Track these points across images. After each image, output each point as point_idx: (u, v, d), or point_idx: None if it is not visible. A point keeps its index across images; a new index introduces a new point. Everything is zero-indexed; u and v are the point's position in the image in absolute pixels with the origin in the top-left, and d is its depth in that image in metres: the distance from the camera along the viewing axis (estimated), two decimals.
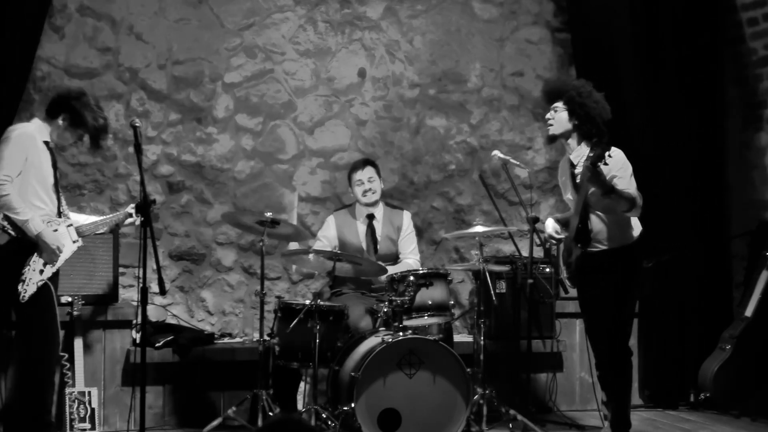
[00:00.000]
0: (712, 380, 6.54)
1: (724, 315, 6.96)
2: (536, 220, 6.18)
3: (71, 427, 5.70)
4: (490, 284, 5.98)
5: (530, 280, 6.14)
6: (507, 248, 7.06)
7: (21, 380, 5.14)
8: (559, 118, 5.44)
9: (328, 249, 6.19)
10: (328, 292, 6.24)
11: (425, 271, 5.83)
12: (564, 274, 5.69)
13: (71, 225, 5.22)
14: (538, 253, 6.39)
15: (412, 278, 5.73)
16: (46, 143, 5.15)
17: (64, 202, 5.27)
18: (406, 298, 5.70)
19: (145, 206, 4.84)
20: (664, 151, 6.85)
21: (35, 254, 5.02)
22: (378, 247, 6.30)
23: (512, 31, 7.30)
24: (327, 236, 6.32)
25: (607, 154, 5.11)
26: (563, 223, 5.60)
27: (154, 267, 4.99)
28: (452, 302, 5.91)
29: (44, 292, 5.06)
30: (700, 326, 6.96)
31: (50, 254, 5.06)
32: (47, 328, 5.12)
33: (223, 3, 6.79)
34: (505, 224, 6.52)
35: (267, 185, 6.87)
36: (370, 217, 6.34)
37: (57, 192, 5.20)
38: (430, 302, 5.75)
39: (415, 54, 7.13)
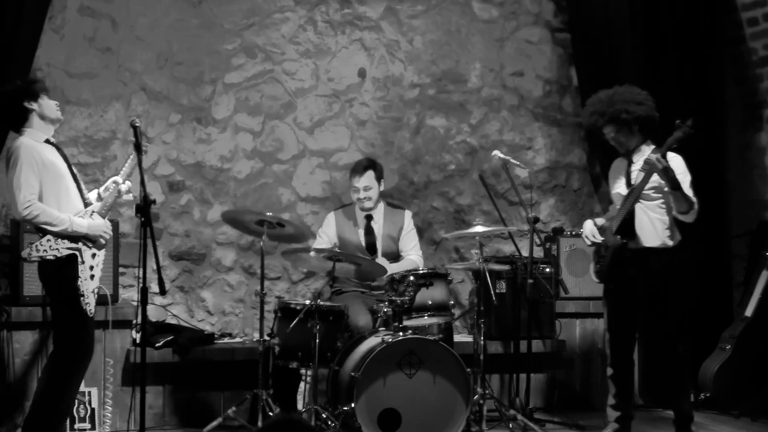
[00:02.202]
0: (712, 380, 6.54)
1: (724, 315, 6.96)
2: (536, 220, 6.21)
3: (71, 427, 5.71)
4: (490, 284, 5.99)
5: (530, 280, 6.16)
6: (507, 248, 7.07)
7: (54, 378, 5.11)
8: (621, 139, 5.59)
9: (328, 245, 6.22)
10: (328, 292, 6.24)
11: (425, 271, 5.83)
12: (594, 269, 5.73)
13: (94, 213, 5.20)
14: (538, 253, 6.41)
15: (412, 278, 5.74)
16: (48, 141, 5.13)
17: (85, 190, 5.23)
18: (406, 298, 5.70)
19: (145, 206, 4.83)
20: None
21: (79, 262, 5.01)
22: (379, 245, 6.30)
23: (512, 31, 7.30)
24: (327, 233, 6.34)
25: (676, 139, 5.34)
26: (600, 228, 5.64)
27: (154, 267, 4.98)
28: (452, 302, 5.91)
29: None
30: (700, 326, 6.95)
31: (103, 239, 5.13)
32: (92, 334, 5.19)
33: (223, 3, 6.79)
34: (505, 224, 6.53)
35: (267, 185, 6.87)
36: (369, 218, 6.35)
37: (78, 185, 5.17)
38: (430, 302, 5.75)
39: (415, 54, 7.13)
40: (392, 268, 6.05)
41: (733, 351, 6.56)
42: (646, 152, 5.51)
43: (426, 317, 5.77)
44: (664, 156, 5.31)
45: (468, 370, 5.59)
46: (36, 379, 5.79)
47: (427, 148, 7.14)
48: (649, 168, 5.36)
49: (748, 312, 6.61)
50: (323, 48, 6.98)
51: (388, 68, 7.09)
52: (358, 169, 6.27)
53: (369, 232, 6.33)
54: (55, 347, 5.19)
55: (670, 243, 5.54)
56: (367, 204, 6.26)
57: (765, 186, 7.11)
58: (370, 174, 6.25)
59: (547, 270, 6.53)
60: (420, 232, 6.84)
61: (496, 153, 6.27)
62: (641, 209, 5.50)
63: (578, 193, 7.40)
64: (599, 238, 5.62)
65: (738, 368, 6.55)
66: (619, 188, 5.64)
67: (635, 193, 5.46)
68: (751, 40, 7.09)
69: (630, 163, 5.62)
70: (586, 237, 5.68)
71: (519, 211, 7.09)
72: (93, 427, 5.79)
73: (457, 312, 6.76)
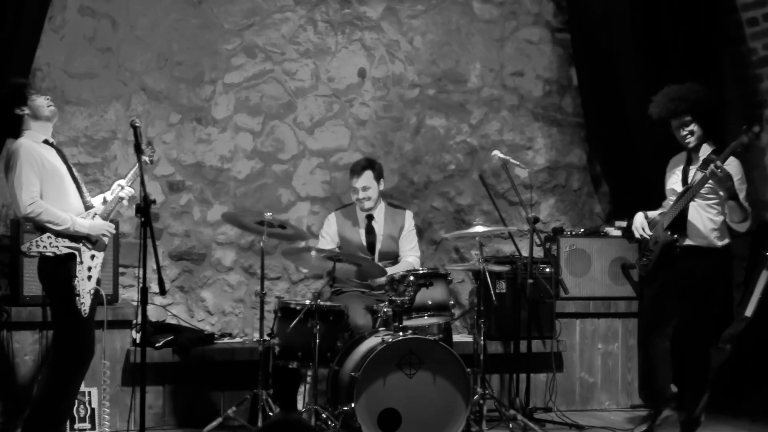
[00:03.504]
0: (712, 380, 6.53)
1: (724, 315, 6.95)
2: (536, 220, 6.21)
3: (71, 427, 5.71)
4: (490, 284, 5.98)
5: (530, 280, 6.16)
6: (507, 248, 7.06)
7: (54, 378, 5.12)
8: (695, 130, 5.61)
9: (331, 245, 6.25)
10: (328, 292, 6.24)
11: (425, 271, 5.82)
12: (639, 262, 5.77)
13: (96, 215, 5.21)
14: (538, 253, 6.41)
15: (412, 278, 5.73)
16: (47, 142, 5.14)
17: (85, 191, 5.25)
18: (406, 298, 5.70)
19: (145, 206, 4.83)
20: (665, 151, 6.85)
21: (77, 262, 5.02)
22: (379, 245, 6.31)
23: (512, 31, 7.30)
24: (329, 233, 6.36)
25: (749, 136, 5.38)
26: (651, 222, 5.69)
27: (154, 267, 4.98)
28: (452, 302, 5.91)
29: (94, 298, 5.11)
30: None
31: (105, 239, 5.15)
32: (91, 334, 5.17)
33: (223, 3, 6.79)
34: (505, 224, 6.53)
35: (267, 185, 6.88)
36: (370, 217, 6.36)
37: (77, 185, 5.19)
38: (430, 302, 5.74)
39: (415, 54, 7.13)
40: (390, 271, 6.04)
41: (733, 351, 6.55)
42: (705, 151, 5.54)
43: (426, 317, 5.76)
44: (723, 161, 5.31)
45: (468, 370, 5.59)
46: (36, 379, 5.80)
47: (427, 148, 7.14)
48: (708, 173, 5.35)
49: (748, 312, 6.59)
50: (323, 48, 6.98)
51: (388, 68, 7.09)
52: (356, 169, 6.27)
53: (370, 231, 6.34)
54: (55, 348, 5.20)
55: (718, 243, 5.58)
56: (367, 204, 6.27)
57: (765, 186, 7.10)
58: (368, 174, 6.25)
59: (547, 270, 6.53)
60: (420, 232, 6.84)
61: (496, 153, 6.28)
62: (694, 207, 5.55)
63: (578, 193, 7.40)
64: (648, 233, 5.66)
65: (738, 368, 6.54)
66: (674, 184, 5.69)
67: (690, 192, 5.49)
68: (751, 40, 7.08)
69: (689, 160, 5.66)
70: (635, 229, 5.72)
71: (519, 211, 7.09)
72: (93, 427, 5.79)
73: (457, 312, 6.76)
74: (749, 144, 5.43)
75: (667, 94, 5.71)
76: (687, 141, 5.64)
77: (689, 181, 5.59)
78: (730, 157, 5.45)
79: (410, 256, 6.37)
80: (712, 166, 5.29)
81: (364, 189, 6.24)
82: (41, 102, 5.14)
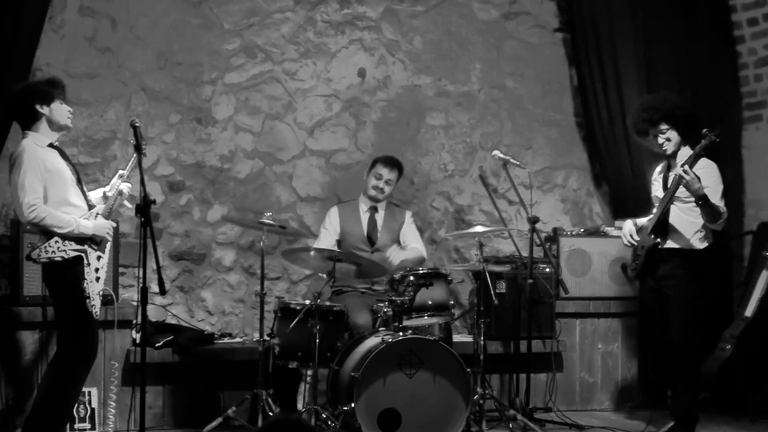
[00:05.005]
0: (712, 380, 6.53)
1: (724, 315, 6.95)
2: (536, 220, 6.21)
3: (71, 427, 5.71)
4: (490, 284, 5.99)
5: (530, 280, 6.16)
6: (507, 248, 7.06)
7: (57, 379, 5.11)
8: (672, 136, 5.62)
9: (333, 237, 6.32)
10: (328, 292, 6.25)
11: (425, 271, 5.83)
12: (630, 267, 5.80)
13: (99, 214, 5.20)
14: (538, 253, 6.41)
15: (412, 278, 5.74)
16: (51, 145, 5.12)
17: (88, 193, 5.25)
18: (406, 298, 5.70)
19: (145, 206, 4.83)
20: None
21: (84, 264, 5.01)
22: (379, 234, 6.34)
23: (512, 31, 7.30)
24: (331, 225, 6.40)
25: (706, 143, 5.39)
26: (639, 228, 5.74)
27: (154, 267, 4.98)
28: (452, 302, 5.91)
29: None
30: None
31: (108, 237, 5.14)
32: (95, 335, 5.17)
33: (223, 3, 6.79)
34: (505, 224, 6.53)
35: (267, 185, 6.88)
36: (373, 208, 6.40)
37: (81, 187, 5.18)
38: (430, 302, 5.75)
39: (415, 54, 7.13)
40: (399, 256, 6.11)
41: (733, 351, 6.55)
42: (683, 156, 5.57)
43: (426, 317, 5.77)
44: (691, 166, 5.35)
45: (468, 370, 5.59)
46: (36, 379, 5.80)
47: (427, 148, 7.14)
48: (677, 176, 5.41)
49: (748, 312, 6.60)
50: (323, 48, 6.98)
51: (388, 68, 7.09)
52: (388, 161, 6.39)
53: (372, 224, 6.38)
54: (59, 349, 5.19)
55: (699, 246, 5.59)
56: (380, 195, 6.34)
57: (765, 186, 7.11)
58: (396, 172, 6.40)
59: (547, 270, 6.53)
60: (420, 232, 6.84)
61: (496, 153, 6.29)
62: (675, 211, 5.60)
63: (578, 193, 7.40)
64: (635, 239, 5.70)
65: (738, 368, 6.54)
66: (657, 191, 5.76)
67: (666, 196, 5.54)
68: (751, 40, 7.09)
69: (669, 167, 5.70)
70: (623, 236, 5.77)
71: (519, 211, 7.09)
72: (93, 427, 5.79)
73: (457, 312, 6.76)
74: (709, 146, 5.44)
75: (641, 106, 5.78)
76: (664, 148, 5.68)
77: (668, 186, 5.62)
78: (705, 161, 5.53)
79: (416, 244, 6.41)
80: (680, 169, 5.35)
81: (388, 182, 6.35)
82: (64, 111, 5.11)
